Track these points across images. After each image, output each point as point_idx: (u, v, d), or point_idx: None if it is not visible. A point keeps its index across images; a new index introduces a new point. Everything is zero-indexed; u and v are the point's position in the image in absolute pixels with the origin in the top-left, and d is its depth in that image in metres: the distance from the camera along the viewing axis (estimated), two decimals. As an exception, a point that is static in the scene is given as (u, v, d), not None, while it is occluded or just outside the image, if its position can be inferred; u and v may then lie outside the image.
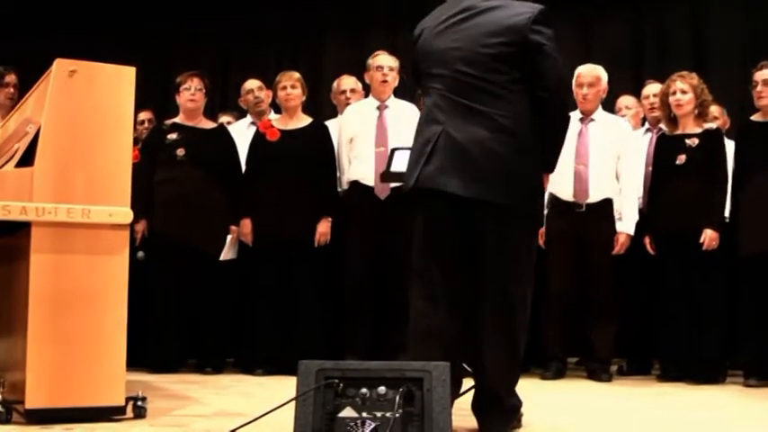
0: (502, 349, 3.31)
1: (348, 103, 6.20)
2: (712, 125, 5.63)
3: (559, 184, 5.63)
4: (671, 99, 5.55)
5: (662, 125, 5.87)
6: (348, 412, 2.75)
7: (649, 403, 4.72)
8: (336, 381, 2.78)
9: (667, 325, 5.57)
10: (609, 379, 5.59)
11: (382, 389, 2.76)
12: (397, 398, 2.71)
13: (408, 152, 3.57)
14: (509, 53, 3.31)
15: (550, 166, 3.52)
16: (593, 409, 4.53)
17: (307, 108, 6.12)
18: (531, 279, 3.47)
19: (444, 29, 3.45)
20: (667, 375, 5.56)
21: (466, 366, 4.04)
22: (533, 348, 5.78)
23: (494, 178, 3.26)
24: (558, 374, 5.65)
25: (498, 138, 3.27)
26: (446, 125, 3.33)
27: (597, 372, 5.61)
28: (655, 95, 5.96)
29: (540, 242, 5.66)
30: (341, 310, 5.87)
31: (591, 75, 5.77)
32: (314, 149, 5.77)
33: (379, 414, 2.74)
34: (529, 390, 5.05)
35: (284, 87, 5.89)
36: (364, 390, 2.77)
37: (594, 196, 5.62)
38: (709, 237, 5.39)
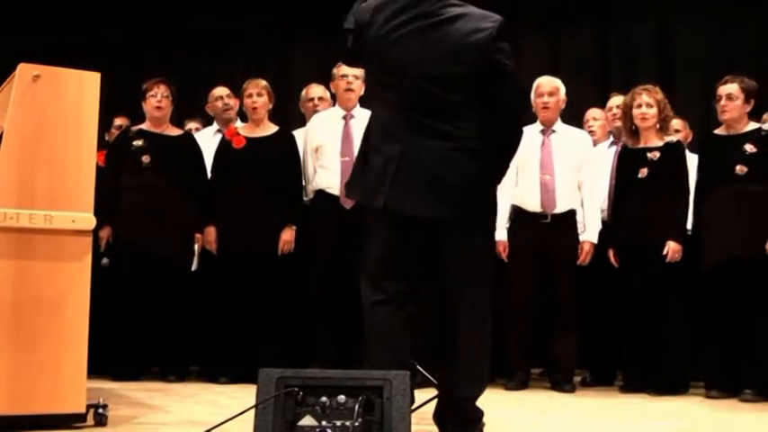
0: (470, 362, 3.31)
1: (316, 111, 6.20)
2: (673, 138, 5.68)
3: (524, 195, 5.68)
4: (635, 112, 5.59)
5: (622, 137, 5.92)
6: (308, 421, 2.75)
7: (611, 414, 4.75)
8: (296, 389, 2.78)
9: (630, 336, 5.61)
10: (572, 390, 5.61)
11: (342, 397, 2.76)
12: (357, 406, 2.71)
13: None
14: (471, 73, 3.26)
15: (498, 180, 3.52)
16: (556, 419, 4.55)
17: (275, 116, 6.11)
18: (491, 292, 3.48)
19: (402, 35, 3.31)
20: (630, 386, 5.59)
21: (428, 375, 4.06)
22: (497, 359, 5.83)
23: (459, 197, 3.25)
24: (522, 385, 5.67)
25: (460, 157, 3.25)
26: (407, 144, 3.26)
27: (560, 382, 5.64)
28: (618, 107, 6.01)
29: (504, 255, 5.71)
30: (305, 319, 5.86)
31: (550, 85, 5.84)
32: (279, 158, 5.77)
33: (338, 423, 2.74)
34: (493, 400, 5.06)
35: (250, 95, 5.88)
36: (324, 398, 2.77)
37: (561, 206, 5.67)
38: (672, 249, 5.44)
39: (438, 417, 3.38)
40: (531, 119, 5.84)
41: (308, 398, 2.78)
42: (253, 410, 2.80)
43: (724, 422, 4.51)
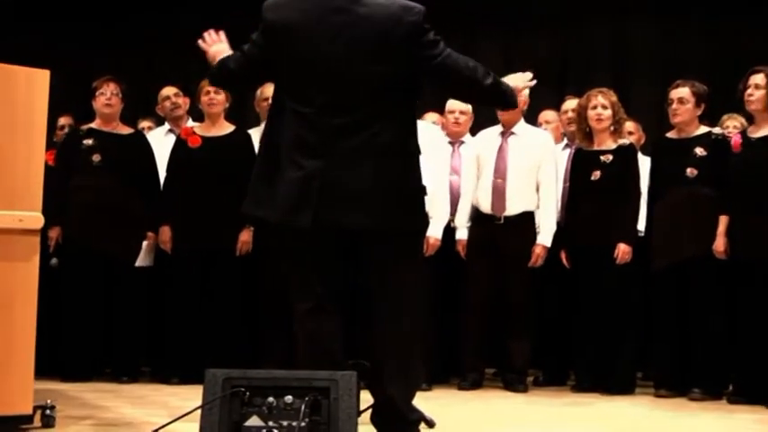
0: (400, 365, 3.26)
1: (271, 109, 6.17)
2: (626, 141, 5.73)
3: (480, 197, 5.72)
4: (590, 113, 5.63)
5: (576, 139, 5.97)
6: (254, 421, 2.75)
7: (561, 413, 4.79)
8: (243, 389, 2.77)
9: (582, 337, 5.66)
10: (525, 389, 5.65)
11: (289, 398, 2.76)
12: (303, 407, 2.71)
13: None
14: (397, 71, 3.15)
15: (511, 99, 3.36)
16: (508, 419, 4.59)
17: (230, 115, 6.08)
18: (422, 293, 3.47)
19: (317, 34, 3.13)
20: (581, 386, 5.63)
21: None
22: (451, 359, 5.88)
23: (386, 205, 3.15)
24: (475, 385, 5.69)
25: (386, 163, 3.14)
26: (330, 157, 3.12)
27: (513, 382, 5.67)
28: (573, 110, 6.04)
29: (463, 253, 5.75)
30: (260, 320, 5.84)
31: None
32: (235, 157, 5.72)
33: (285, 423, 2.73)
34: (445, 400, 5.12)
35: (207, 93, 5.84)
36: (271, 399, 2.76)
37: (512, 210, 5.69)
38: (622, 251, 5.48)
39: (375, 419, 3.36)
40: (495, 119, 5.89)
41: (254, 398, 2.77)
42: (199, 411, 2.79)
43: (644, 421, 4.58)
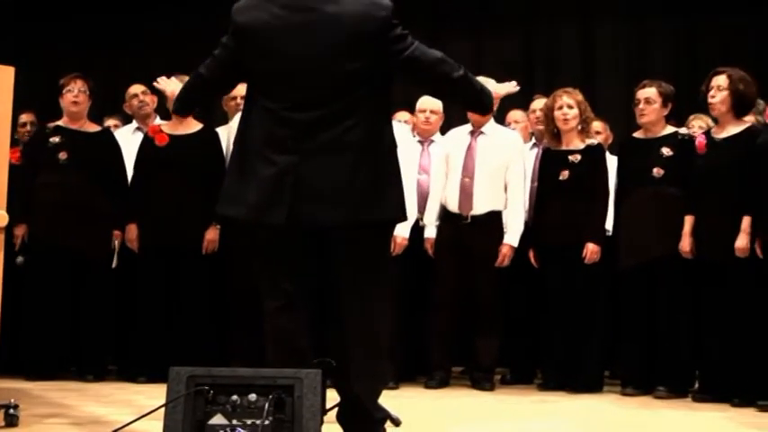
0: (367, 363, 3.26)
1: (239, 110, 6.16)
2: (594, 141, 5.77)
3: (448, 196, 5.74)
4: (557, 113, 5.66)
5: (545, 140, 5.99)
6: (218, 419, 2.74)
7: (528, 411, 4.82)
8: (207, 388, 2.76)
9: (549, 336, 5.69)
10: (492, 388, 5.67)
11: (253, 396, 2.75)
12: (267, 405, 2.70)
13: None
14: (368, 67, 3.15)
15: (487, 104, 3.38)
16: (474, 417, 4.60)
17: (197, 113, 6.04)
18: (389, 289, 3.47)
19: (287, 32, 3.13)
20: (548, 385, 5.66)
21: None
22: (418, 357, 5.89)
23: (355, 201, 3.14)
24: (442, 383, 5.70)
25: (360, 159, 3.13)
26: (303, 153, 3.11)
27: (480, 381, 5.69)
28: (541, 109, 6.05)
29: (431, 251, 5.77)
30: (228, 318, 5.83)
31: (480, 85, 5.87)
32: (203, 155, 5.72)
33: (249, 421, 2.72)
34: (412, 398, 5.14)
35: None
36: (235, 397, 2.75)
37: (479, 209, 5.71)
38: (590, 250, 5.52)
39: (341, 417, 3.37)
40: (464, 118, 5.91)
41: (218, 396, 2.76)
42: (163, 409, 2.77)
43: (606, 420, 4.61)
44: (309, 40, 3.13)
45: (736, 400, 4.94)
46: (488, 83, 3.47)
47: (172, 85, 3.62)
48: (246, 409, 2.74)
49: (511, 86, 3.54)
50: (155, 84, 3.64)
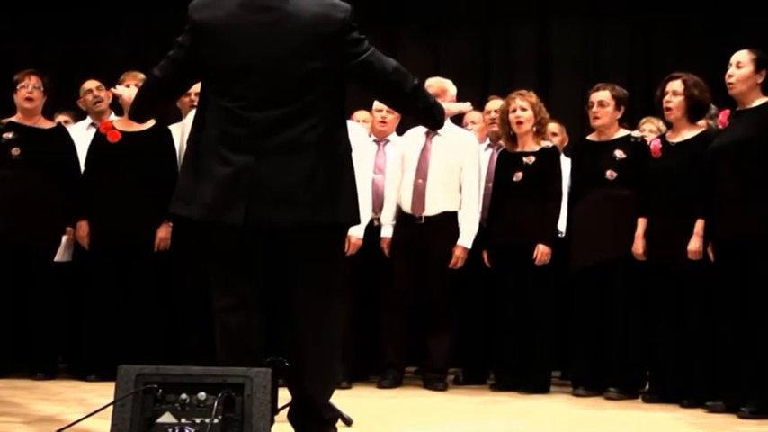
0: (320, 362, 3.28)
1: (193, 106, 6.11)
2: (549, 143, 5.80)
3: (402, 196, 5.76)
4: (511, 116, 5.70)
5: (501, 142, 6.02)
6: (167, 418, 2.71)
7: (479, 410, 4.84)
8: (156, 386, 2.73)
9: (501, 336, 5.72)
10: (444, 388, 5.68)
11: (202, 394, 2.73)
12: (216, 403, 2.68)
13: None
14: (325, 68, 3.15)
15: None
16: (425, 416, 4.61)
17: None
18: (343, 289, 3.48)
19: (245, 32, 3.12)
20: (500, 385, 5.69)
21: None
22: (371, 356, 5.89)
23: (312, 202, 3.14)
24: (395, 383, 5.71)
25: (317, 160, 3.14)
26: (259, 153, 3.11)
27: (433, 381, 5.69)
28: (496, 111, 6.07)
29: (387, 251, 5.78)
30: (181, 317, 5.79)
31: (437, 86, 5.85)
32: (155, 153, 5.69)
33: (198, 420, 2.70)
34: (364, 397, 5.14)
35: (128, 87, 5.78)
36: (184, 395, 2.72)
37: (432, 210, 5.73)
38: (541, 252, 5.55)
39: (292, 417, 3.36)
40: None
41: (167, 395, 2.73)
42: (112, 408, 2.75)
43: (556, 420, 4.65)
44: (267, 40, 3.12)
45: (685, 401, 5.00)
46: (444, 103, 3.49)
47: (128, 91, 3.58)
48: (196, 407, 2.72)
49: (464, 106, 3.56)
50: (112, 90, 3.58)
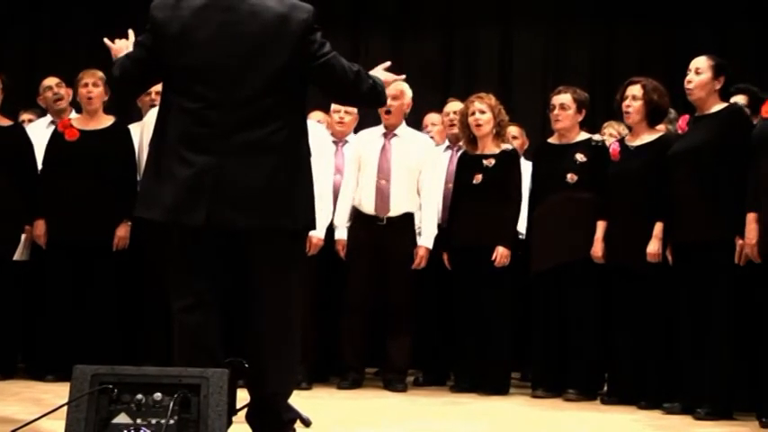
0: (279, 364, 3.28)
1: (153, 105, 6.08)
2: (509, 146, 5.82)
3: (362, 198, 5.74)
4: (470, 119, 5.71)
5: (461, 143, 6.03)
6: (122, 419, 2.69)
7: (438, 412, 4.85)
8: (111, 386, 2.71)
9: (460, 337, 5.73)
10: (404, 389, 5.68)
11: (158, 395, 2.71)
12: (171, 404, 2.67)
13: None
14: (285, 68, 3.16)
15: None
16: (385, 417, 4.61)
17: (111, 109, 5.97)
18: (302, 290, 3.48)
19: (206, 32, 3.13)
20: (460, 386, 5.70)
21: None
22: (331, 358, 5.88)
23: (278, 206, 3.16)
24: (355, 384, 5.70)
25: (279, 162, 3.15)
26: (221, 154, 3.10)
27: (393, 382, 5.69)
28: (455, 112, 6.10)
29: (342, 253, 5.76)
30: (140, 316, 5.75)
31: (395, 88, 5.84)
32: (114, 151, 5.65)
33: (154, 421, 2.68)
34: (324, 399, 5.13)
35: (86, 85, 5.73)
36: (140, 396, 2.71)
37: (395, 210, 5.73)
38: (500, 254, 5.57)
39: (250, 418, 3.36)
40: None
41: (123, 395, 2.71)
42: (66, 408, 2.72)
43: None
44: (229, 40, 3.13)
45: (643, 402, 5.04)
46: (377, 71, 3.49)
47: (121, 43, 3.45)
48: (151, 408, 2.71)
49: (397, 77, 3.57)
50: (105, 39, 3.47)
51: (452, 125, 6.15)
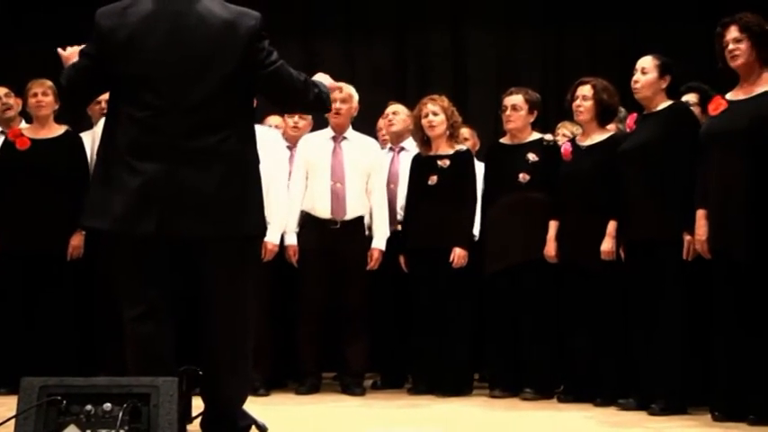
0: (233, 370, 3.30)
1: (104, 114, 6.02)
2: (462, 147, 5.85)
3: (315, 201, 5.73)
4: (423, 121, 5.74)
5: (402, 144, 6.13)
6: (72, 430, 2.67)
7: (396, 415, 4.86)
8: (60, 398, 2.69)
9: (418, 340, 5.73)
10: (362, 393, 5.67)
11: (108, 405, 2.70)
12: (121, 414, 2.65)
13: None
14: (233, 75, 3.16)
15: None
16: (342, 422, 4.61)
17: (62, 117, 5.91)
18: (258, 299, 3.50)
19: (152, 39, 3.13)
20: (418, 388, 5.71)
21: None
22: (289, 363, 5.87)
23: (229, 213, 3.17)
24: (313, 389, 5.68)
25: (228, 169, 3.16)
26: (169, 162, 3.10)
27: (351, 386, 5.69)
28: (395, 113, 6.19)
29: (293, 260, 5.74)
30: (95, 327, 5.71)
31: (343, 92, 5.88)
32: (66, 160, 5.61)
33: (103, 431, 2.67)
34: (282, 404, 5.12)
35: (35, 94, 5.68)
36: (89, 407, 2.70)
37: (350, 213, 5.73)
38: (457, 255, 5.59)
39: (205, 425, 3.35)
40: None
41: (72, 406, 2.70)
42: (14, 421, 2.70)
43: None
44: (176, 47, 3.13)
45: (598, 399, 5.08)
46: (320, 77, 3.53)
47: (73, 48, 3.43)
48: (101, 418, 2.69)
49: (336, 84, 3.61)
50: (58, 49, 3.46)
51: (391, 124, 6.21)
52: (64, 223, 5.53)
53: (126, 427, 2.67)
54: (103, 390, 2.73)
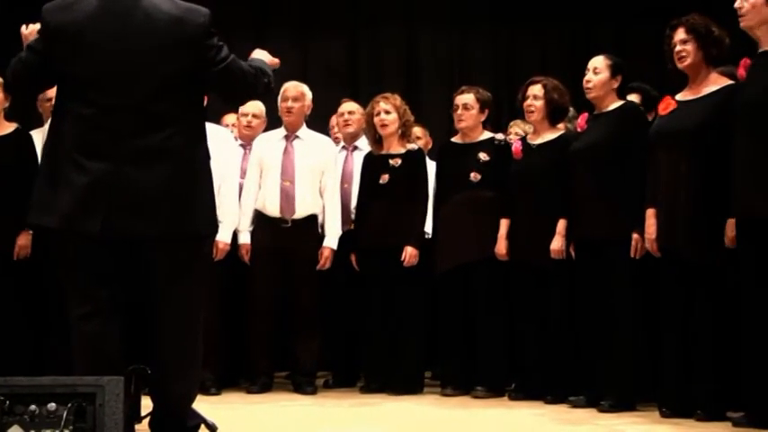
0: (182, 369, 3.28)
1: (54, 112, 5.97)
2: (414, 146, 5.86)
3: (266, 200, 5.72)
4: (375, 120, 5.75)
5: (356, 143, 6.14)
6: (15, 431, 2.65)
7: (348, 414, 4.86)
8: (3, 398, 2.66)
9: (370, 338, 5.74)
10: (314, 392, 5.67)
11: (52, 405, 2.67)
12: (66, 414, 2.63)
13: None
14: (180, 72, 3.15)
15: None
16: (294, 422, 4.60)
17: (12, 115, 5.84)
18: (208, 298, 3.49)
19: (99, 35, 3.09)
20: (370, 387, 5.71)
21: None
22: (240, 362, 5.85)
23: (177, 212, 3.15)
24: (265, 388, 5.66)
25: (177, 167, 3.14)
26: (116, 160, 3.07)
27: (302, 385, 5.68)
28: (351, 113, 6.19)
29: (246, 258, 5.72)
30: (44, 326, 5.64)
31: (295, 90, 5.88)
32: (15, 158, 5.51)
33: (48, 431, 2.65)
34: (233, 404, 5.10)
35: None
36: (33, 407, 2.67)
37: (301, 212, 5.72)
38: (409, 254, 5.60)
39: (154, 425, 3.33)
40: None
41: (16, 406, 2.67)
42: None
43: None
44: (123, 43, 3.10)
45: (549, 397, 5.11)
46: (259, 54, 3.54)
47: (33, 28, 3.38)
48: (45, 418, 2.67)
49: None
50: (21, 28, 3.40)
51: (347, 125, 6.19)
52: (11, 222, 5.45)
53: (71, 427, 2.65)
54: (48, 389, 2.71)
